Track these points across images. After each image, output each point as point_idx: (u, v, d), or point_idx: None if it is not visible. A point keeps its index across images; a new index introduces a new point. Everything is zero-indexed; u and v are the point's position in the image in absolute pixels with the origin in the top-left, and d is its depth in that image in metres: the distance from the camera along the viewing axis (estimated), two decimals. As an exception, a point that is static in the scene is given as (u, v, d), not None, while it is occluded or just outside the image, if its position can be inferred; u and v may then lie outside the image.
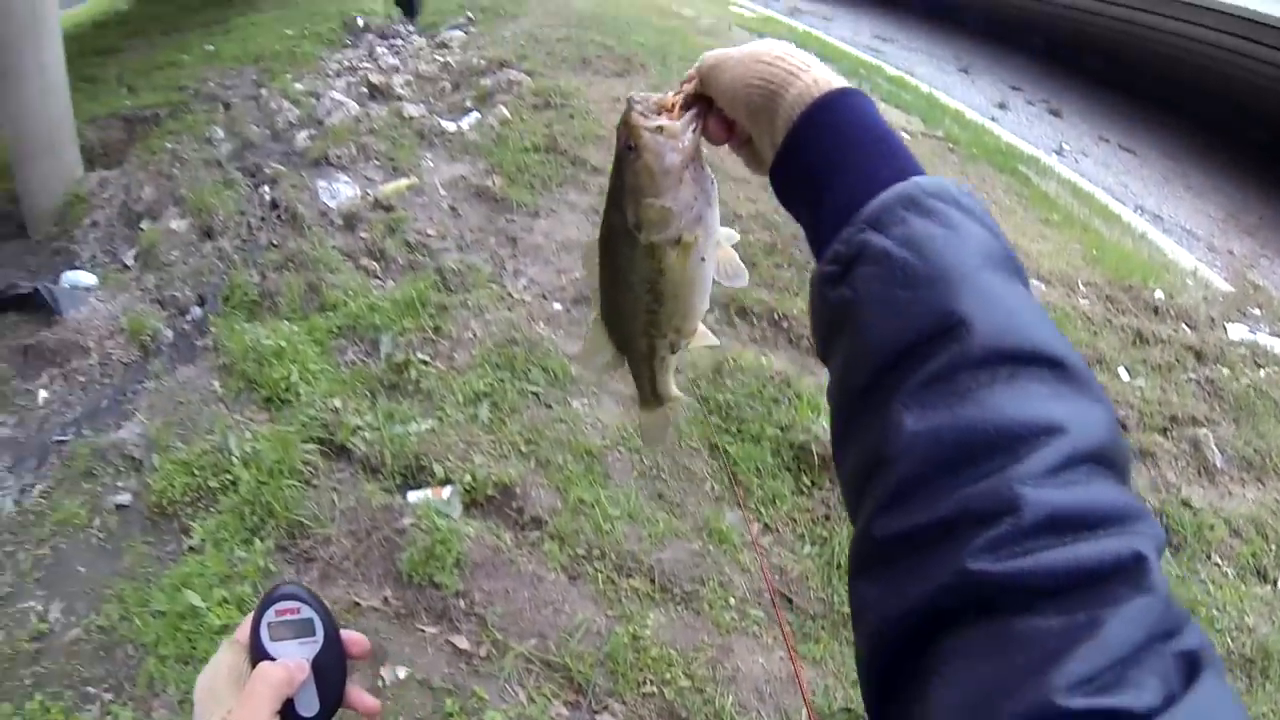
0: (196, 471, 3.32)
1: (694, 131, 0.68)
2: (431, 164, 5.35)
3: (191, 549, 3.08)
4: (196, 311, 4.28)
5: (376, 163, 5.27)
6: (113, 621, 2.84)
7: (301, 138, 5.65)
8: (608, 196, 0.70)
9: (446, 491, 3.19)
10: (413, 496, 3.20)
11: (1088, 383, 0.49)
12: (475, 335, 3.83)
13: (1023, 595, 0.41)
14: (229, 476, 3.27)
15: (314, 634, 0.71)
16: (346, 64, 7.44)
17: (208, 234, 4.60)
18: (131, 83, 7.43)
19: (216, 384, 3.80)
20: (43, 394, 4.12)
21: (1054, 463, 0.44)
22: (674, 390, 0.85)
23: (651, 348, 0.77)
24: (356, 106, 6.11)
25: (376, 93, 6.52)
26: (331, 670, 0.72)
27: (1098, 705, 0.37)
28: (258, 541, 3.04)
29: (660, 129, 0.66)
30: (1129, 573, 0.42)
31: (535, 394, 3.61)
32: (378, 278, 4.28)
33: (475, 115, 6.02)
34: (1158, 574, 0.43)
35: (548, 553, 3.02)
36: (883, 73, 9.48)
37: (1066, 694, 0.37)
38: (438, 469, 3.25)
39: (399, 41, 8.35)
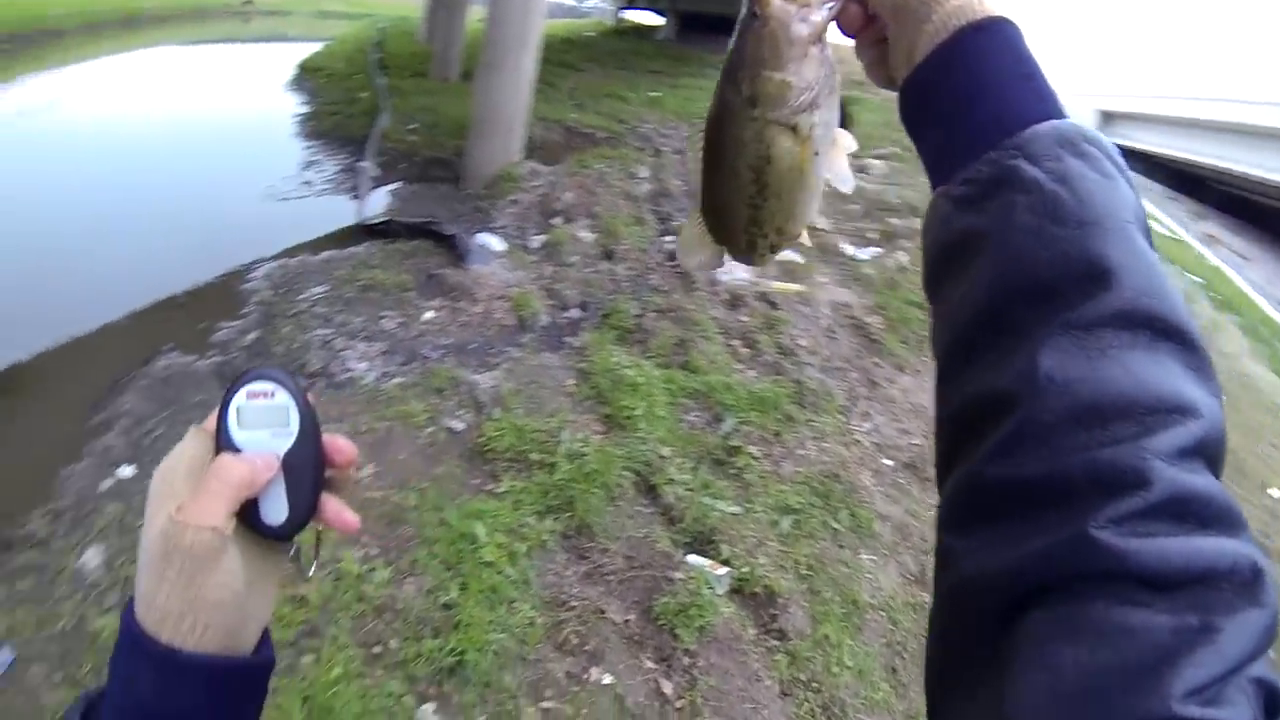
0: (526, 439, 3.68)
1: (830, 9, 0.61)
2: (823, 280, 5.60)
3: (493, 493, 3.42)
4: (576, 313, 4.74)
5: (778, 258, 5.59)
6: (408, 504, 3.26)
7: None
8: (723, 71, 0.63)
9: (722, 571, 3.29)
10: (692, 559, 3.33)
11: (1213, 373, 0.46)
12: (807, 455, 3.92)
13: (1138, 578, 0.39)
14: (550, 459, 3.59)
15: (288, 425, 0.60)
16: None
17: (608, 255, 5.08)
18: (580, 101, 8.39)
19: (570, 381, 4.17)
20: (429, 314, 4.74)
21: (1185, 445, 0.42)
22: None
23: (752, 245, 0.70)
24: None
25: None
26: (304, 472, 0.60)
27: (1209, 717, 0.35)
28: (549, 520, 3.32)
29: None
30: (1245, 582, 0.39)
31: (835, 531, 3.62)
32: (742, 363, 4.52)
33: (877, 250, 6.23)
34: (1272, 590, 0.39)
35: (775, 663, 3.03)
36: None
37: (1182, 701, 0.35)
38: (724, 549, 3.35)
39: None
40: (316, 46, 14.91)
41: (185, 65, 14.80)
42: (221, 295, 5.16)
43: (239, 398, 0.59)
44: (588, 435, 3.79)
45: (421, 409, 3.84)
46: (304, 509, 0.60)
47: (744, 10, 0.61)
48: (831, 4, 0.60)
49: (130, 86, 12.09)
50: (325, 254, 5.56)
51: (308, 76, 12.09)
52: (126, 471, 3.60)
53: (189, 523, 0.52)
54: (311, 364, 4.24)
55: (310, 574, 0.67)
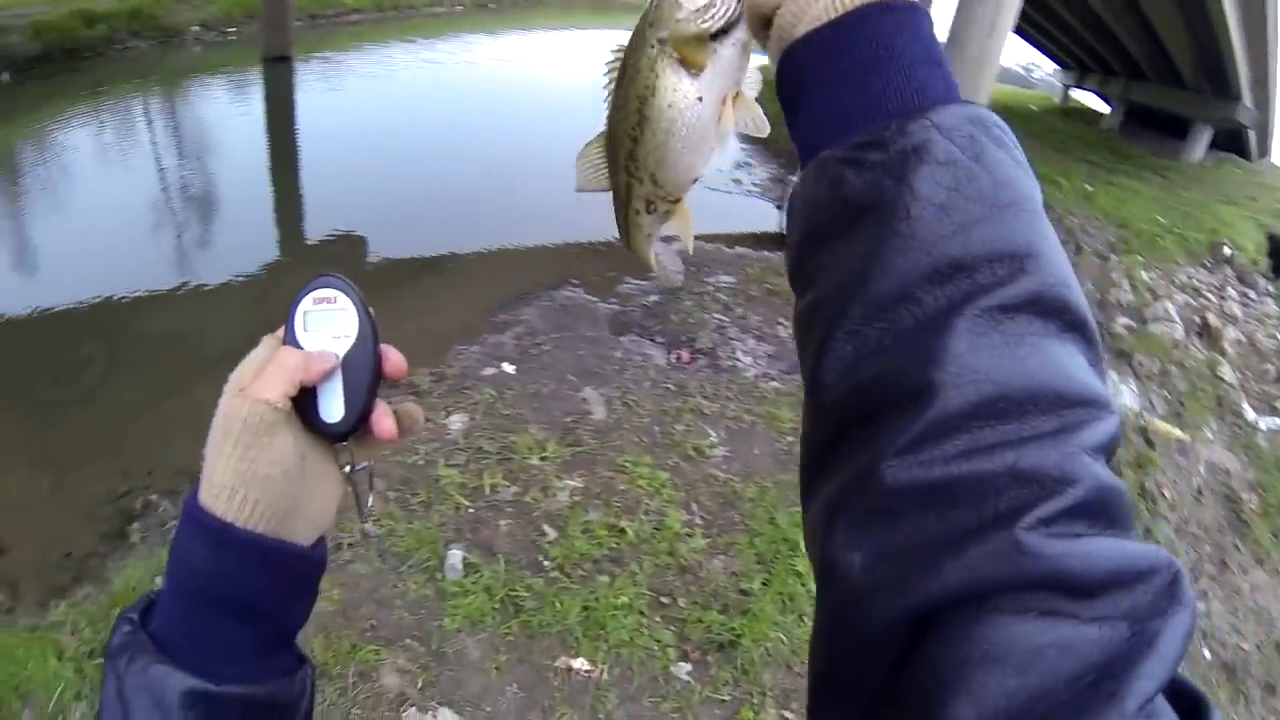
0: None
1: None
2: (1210, 436, 4.90)
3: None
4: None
5: (1165, 394, 4.97)
6: (746, 494, 3.54)
7: (1121, 322, 5.60)
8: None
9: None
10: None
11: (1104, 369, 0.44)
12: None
13: (1059, 585, 0.34)
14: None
15: (348, 331, 0.61)
16: (1194, 284, 7.11)
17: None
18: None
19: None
20: None
21: (1101, 441, 0.38)
22: (650, 257, 0.70)
23: (628, 188, 0.63)
24: (1181, 332, 5.84)
25: (1205, 331, 6.12)
26: (361, 376, 0.61)
27: None
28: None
29: None
30: (1166, 582, 0.35)
31: None
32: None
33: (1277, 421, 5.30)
34: (1189, 586, 0.36)
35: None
36: None
37: (1135, 717, 0.32)
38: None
39: (1252, 294, 7.66)
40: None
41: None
42: (633, 255, 5.77)
43: (305, 303, 0.61)
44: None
45: (789, 418, 4.03)
46: (358, 410, 0.61)
47: None
48: None
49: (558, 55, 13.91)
50: (739, 249, 5.97)
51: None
52: (509, 368, 4.20)
53: (247, 396, 0.55)
54: (702, 341, 4.64)
55: (368, 514, 0.69)
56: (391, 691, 2.87)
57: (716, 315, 4.94)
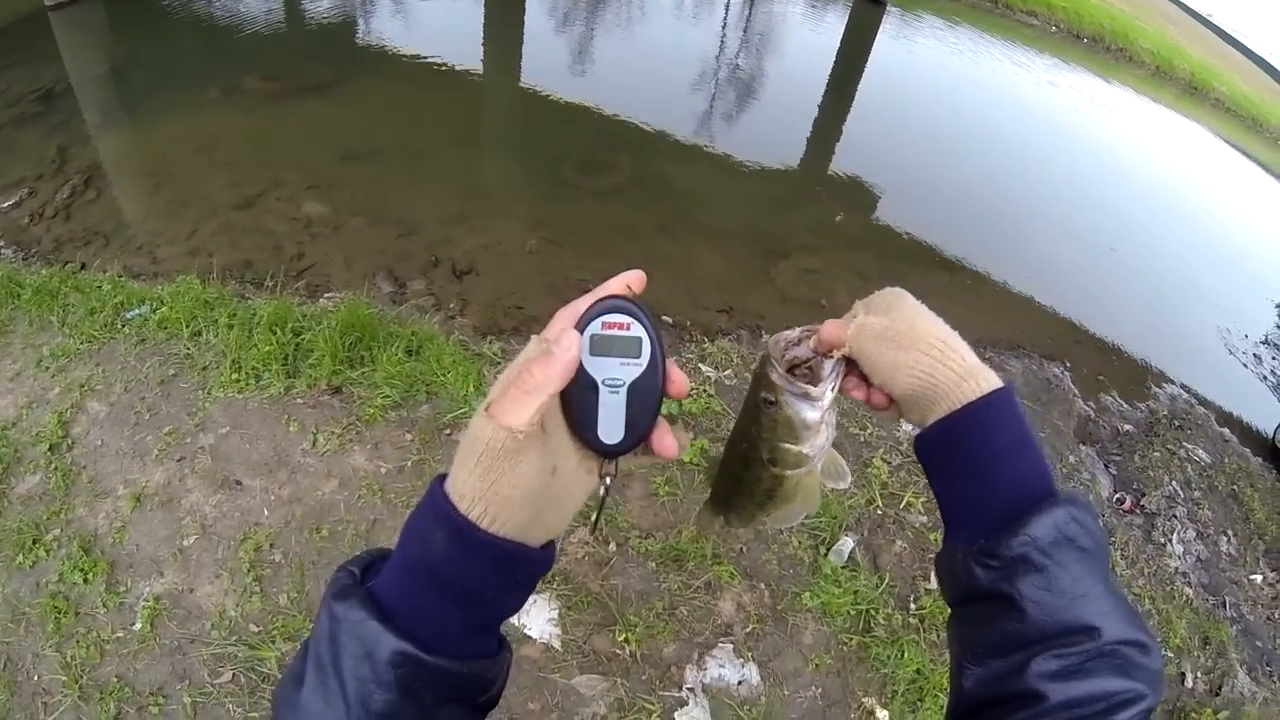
0: None
1: (834, 390, 0.71)
2: None
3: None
4: None
5: None
6: None
7: None
8: (744, 416, 0.75)
9: None
10: None
11: (1150, 661, 0.64)
12: None
13: None
14: None
15: (639, 356, 0.61)
16: None
17: None
18: None
19: None
20: None
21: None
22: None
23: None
24: None
25: None
26: (647, 401, 0.62)
27: None
28: None
29: (805, 393, 0.70)
30: None
31: None
32: None
33: None
34: None
35: None
36: None
37: None
38: None
39: None
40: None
41: None
42: (1128, 370, 5.43)
43: (594, 326, 0.61)
44: None
45: (1181, 634, 3.57)
46: (638, 434, 0.62)
47: (756, 390, 0.72)
48: (833, 381, 0.71)
49: None
50: (1226, 431, 5.27)
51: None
52: None
53: (492, 419, 0.55)
54: (1149, 500, 4.18)
55: (600, 527, 0.96)
56: (722, 617, 2.88)
57: (1175, 484, 4.42)
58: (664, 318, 4.39)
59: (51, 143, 5.38)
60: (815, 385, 0.70)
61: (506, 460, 0.55)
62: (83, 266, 4.22)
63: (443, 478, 0.57)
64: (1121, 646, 0.62)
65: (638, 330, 0.61)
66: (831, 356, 0.71)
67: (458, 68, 7.98)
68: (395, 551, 0.59)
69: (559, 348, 0.58)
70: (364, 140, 5.93)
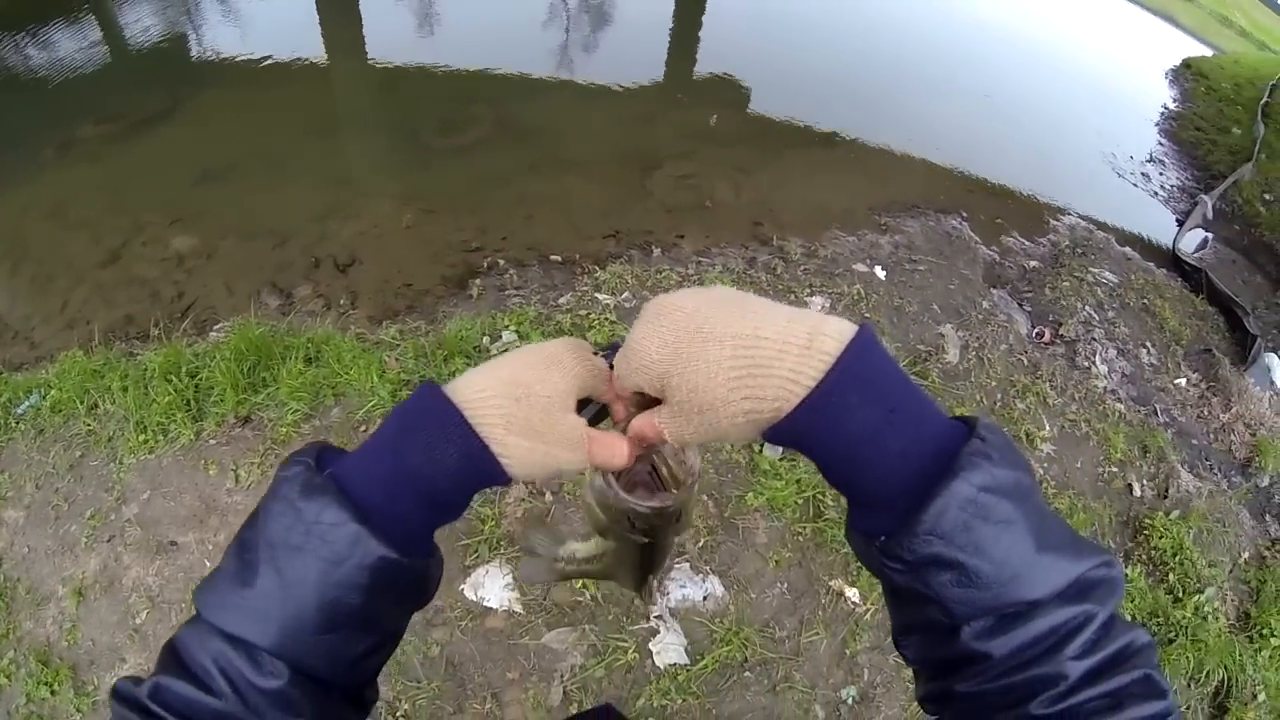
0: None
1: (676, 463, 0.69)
2: None
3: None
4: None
5: None
6: (1056, 502, 3.12)
7: None
8: (625, 545, 0.76)
9: None
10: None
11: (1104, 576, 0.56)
12: None
13: None
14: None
15: None
16: None
17: None
18: None
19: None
20: (1180, 381, 4.52)
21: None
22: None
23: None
24: None
25: None
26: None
27: None
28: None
29: (675, 492, 0.69)
30: None
31: None
32: None
33: None
34: None
35: None
36: None
37: None
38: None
39: None
40: (1206, 51, 13.58)
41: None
42: (1025, 209, 5.44)
43: None
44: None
45: (1121, 448, 3.69)
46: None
47: (634, 527, 0.70)
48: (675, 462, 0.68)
49: None
50: (1128, 250, 5.40)
51: (1189, 77, 11.12)
52: (880, 272, 4.04)
53: (585, 449, 0.63)
54: (1067, 329, 4.28)
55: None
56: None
57: (1088, 309, 4.51)
58: (552, 256, 4.32)
59: (-114, 252, 4.99)
60: (676, 487, 0.68)
61: (556, 466, 0.62)
62: (-42, 376, 3.97)
63: (435, 387, 0.60)
64: (1065, 588, 0.54)
65: None
66: (661, 446, 0.66)
67: (300, 60, 7.58)
68: (379, 453, 0.59)
69: (638, 453, 0.66)
70: (217, 158, 5.61)
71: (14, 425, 3.40)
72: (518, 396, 0.59)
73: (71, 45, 8.55)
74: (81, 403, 3.38)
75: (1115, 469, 3.61)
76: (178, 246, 4.66)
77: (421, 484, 0.58)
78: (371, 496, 0.57)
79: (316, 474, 0.57)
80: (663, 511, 0.67)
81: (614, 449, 0.63)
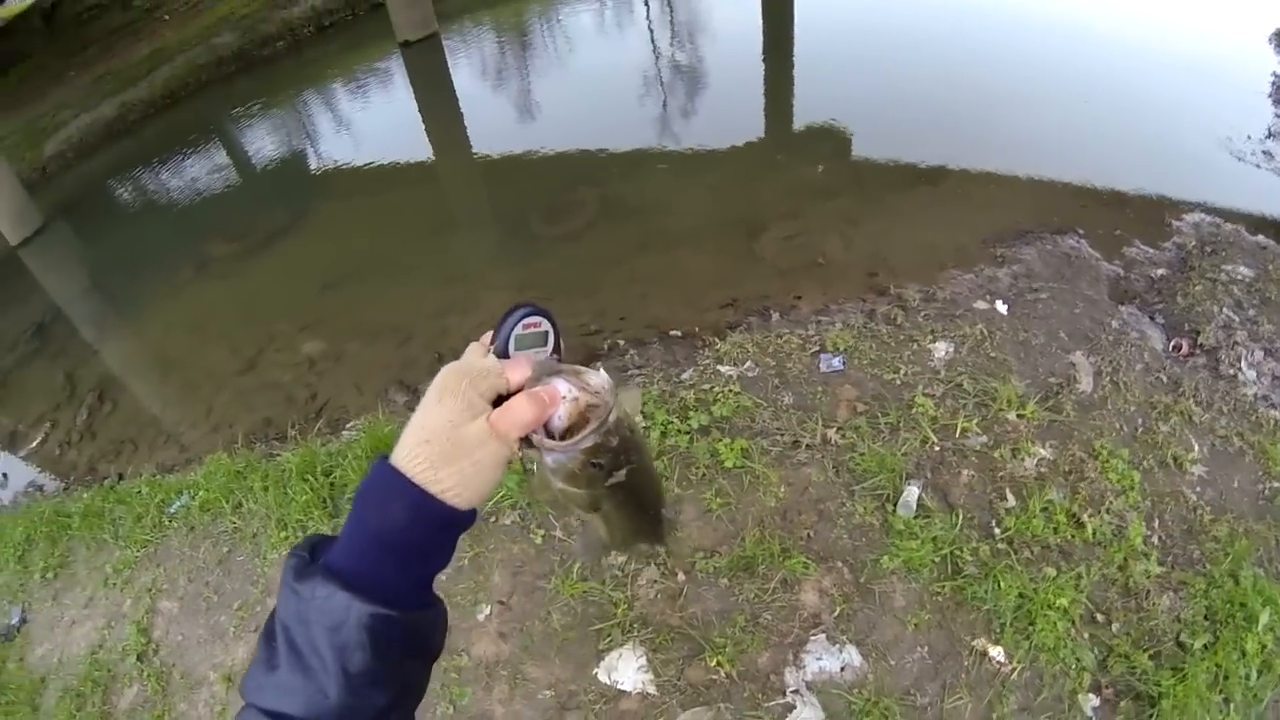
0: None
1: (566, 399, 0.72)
2: None
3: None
4: None
5: None
6: (1219, 533, 3.05)
7: None
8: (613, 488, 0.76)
9: None
10: None
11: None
12: None
13: None
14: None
15: (545, 346, 0.80)
16: None
17: None
18: None
19: None
20: None
21: None
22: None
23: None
24: None
25: None
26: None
27: None
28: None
29: (597, 427, 0.71)
30: None
31: None
32: None
33: None
34: None
35: None
36: None
37: None
38: None
39: None
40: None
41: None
42: (1144, 214, 5.13)
43: (518, 328, 0.78)
44: None
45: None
46: None
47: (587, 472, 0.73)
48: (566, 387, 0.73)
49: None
50: (1261, 238, 5.00)
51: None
52: (1001, 307, 3.88)
53: (495, 434, 0.69)
54: (1205, 336, 4.06)
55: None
56: (807, 610, 2.82)
57: (1227, 311, 4.22)
58: (671, 332, 4.38)
59: (57, 371, 5.58)
60: (591, 422, 0.72)
61: (496, 469, 0.70)
62: (120, 477, 4.35)
63: (382, 460, 0.68)
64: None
65: (546, 326, 0.80)
66: (556, 385, 0.74)
67: (409, 161, 8.11)
68: (350, 526, 0.68)
69: (543, 400, 0.71)
70: (339, 266, 6.05)
71: (167, 523, 3.71)
72: (426, 439, 0.67)
73: (201, 169, 9.41)
74: (227, 502, 3.65)
75: (1278, 484, 3.34)
76: (308, 351, 5.01)
77: (386, 540, 0.66)
78: (352, 565, 0.65)
79: (307, 560, 0.67)
80: (604, 431, 0.71)
81: (512, 409, 0.70)
